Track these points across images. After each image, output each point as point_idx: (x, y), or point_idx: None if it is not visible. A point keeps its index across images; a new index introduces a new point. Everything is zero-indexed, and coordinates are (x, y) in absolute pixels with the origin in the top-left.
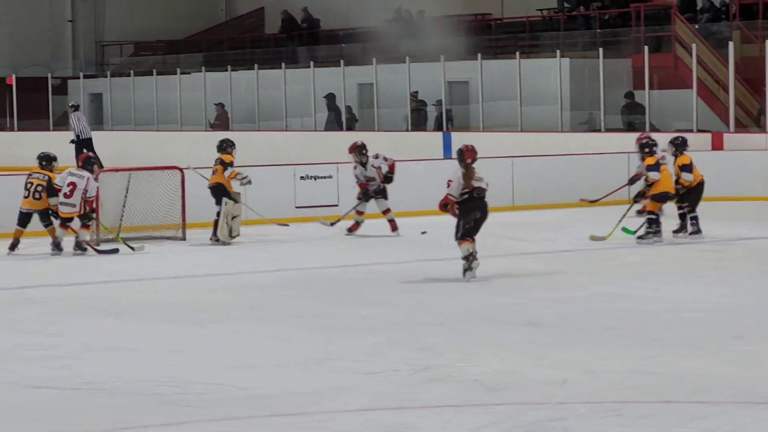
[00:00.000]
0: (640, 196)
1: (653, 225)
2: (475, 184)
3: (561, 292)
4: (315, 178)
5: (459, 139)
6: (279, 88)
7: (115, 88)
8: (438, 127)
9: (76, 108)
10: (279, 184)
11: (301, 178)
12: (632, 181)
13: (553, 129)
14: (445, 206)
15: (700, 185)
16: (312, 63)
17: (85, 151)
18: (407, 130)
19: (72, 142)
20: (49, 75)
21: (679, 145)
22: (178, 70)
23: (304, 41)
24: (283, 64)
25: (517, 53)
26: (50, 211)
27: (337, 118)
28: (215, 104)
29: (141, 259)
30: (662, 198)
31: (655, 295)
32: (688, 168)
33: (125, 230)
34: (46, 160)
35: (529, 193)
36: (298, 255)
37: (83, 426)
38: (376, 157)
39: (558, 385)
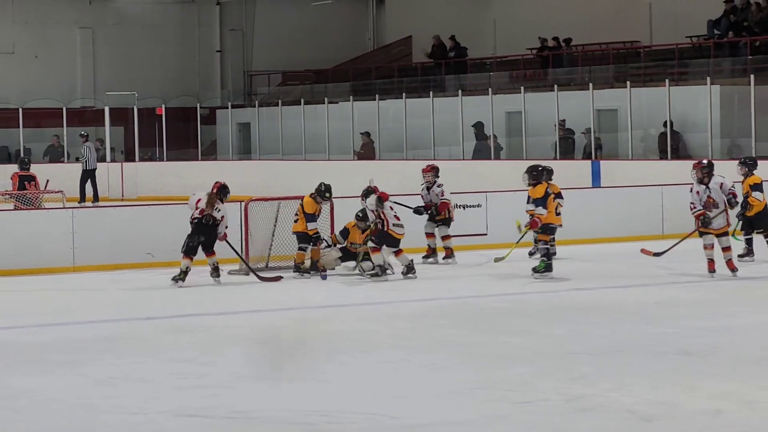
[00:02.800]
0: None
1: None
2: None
3: (713, 321)
4: (464, 207)
5: (608, 168)
6: (427, 117)
7: (263, 118)
8: (586, 156)
9: (87, 138)
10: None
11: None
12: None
13: (703, 156)
14: None
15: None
16: (460, 91)
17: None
18: (555, 159)
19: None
20: (198, 105)
21: (751, 165)
22: (326, 100)
23: (451, 69)
24: (431, 93)
25: (667, 81)
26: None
27: (485, 147)
28: (361, 133)
29: (291, 288)
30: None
31: None
32: (758, 187)
33: (274, 259)
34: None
35: (680, 221)
36: (448, 284)
37: None
38: (439, 186)
39: (712, 416)
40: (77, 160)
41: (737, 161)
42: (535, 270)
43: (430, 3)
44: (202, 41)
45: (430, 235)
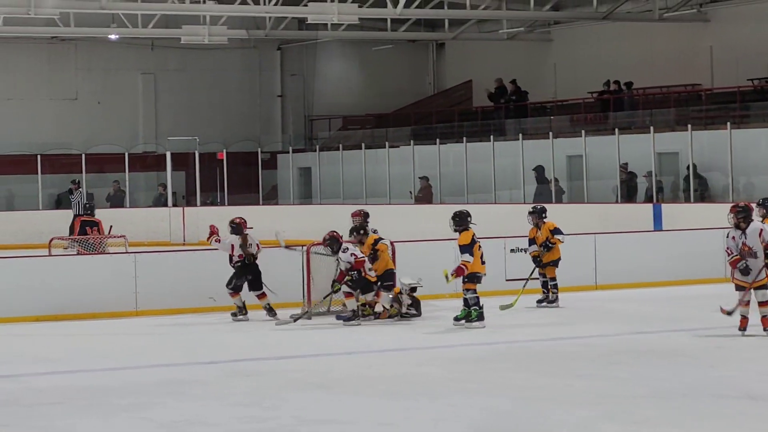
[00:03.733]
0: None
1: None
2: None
3: None
4: (525, 251)
5: (670, 211)
6: (487, 161)
7: (324, 162)
8: (648, 199)
9: (78, 185)
10: (489, 257)
11: (512, 251)
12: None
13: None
14: None
15: None
16: (520, 135)
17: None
18: (617, 202)
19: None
20: (259, 150)
21: None
22: (387, 144)
23: (512, 113)
24: (491, 137)
25: (728, 123)
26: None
27: (546, 190)
28: (420, 178)
29: (351, 333)
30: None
31: None
32: None
33: (336, 303)
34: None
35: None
36: (508, 328)
37: None
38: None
39: None
40: (70, 203)
41: (756, 203)
42: (456, 319)
43: (490, 47)
44: (264, 86)
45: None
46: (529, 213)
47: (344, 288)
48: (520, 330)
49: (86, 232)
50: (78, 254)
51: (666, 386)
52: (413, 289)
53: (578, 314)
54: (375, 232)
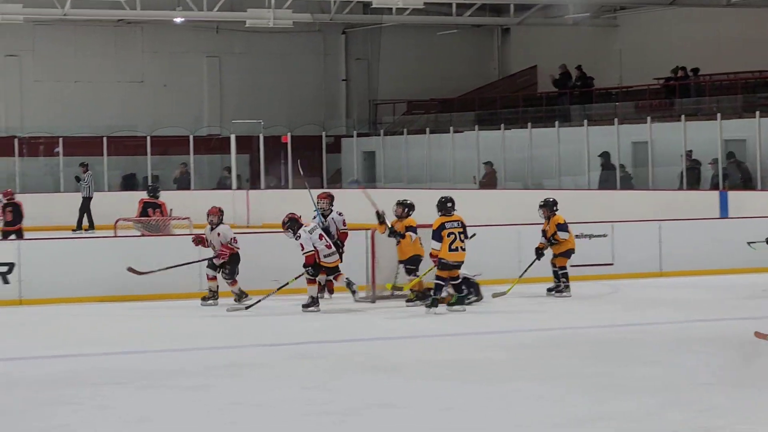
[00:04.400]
0: None
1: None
2: None
3: None
4: (590, 237)
5: (735, 198)
6: (552, 147)
7: (388, 147)
8: (713, 186)
9: (87, 167)
10: None
11: (576, 236)
12: None
13: None
14: None
15: None
16: (585, 121)
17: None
18: (682, 189)
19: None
20: (323, 133)
21: None
22: (451, 129)
23: (577, 99)
24: (556, 123)
25: None
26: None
27: (611, 177)
28: (484, 163)
29: (414, 317)
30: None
31: None
32: None
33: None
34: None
35: None
36: (568, 314)
37: None
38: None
39: None
40: (78, 181)
41: None
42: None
43: (555, 33)
44: (328, 70)
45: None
46: (540, 206)
47: (306, 276)
48: (583, 316)
49: (148, 214)
50: (142, 236)
51: (734, 375)
52: (466, 279)
53: (643, 301)
54: (340, 214)
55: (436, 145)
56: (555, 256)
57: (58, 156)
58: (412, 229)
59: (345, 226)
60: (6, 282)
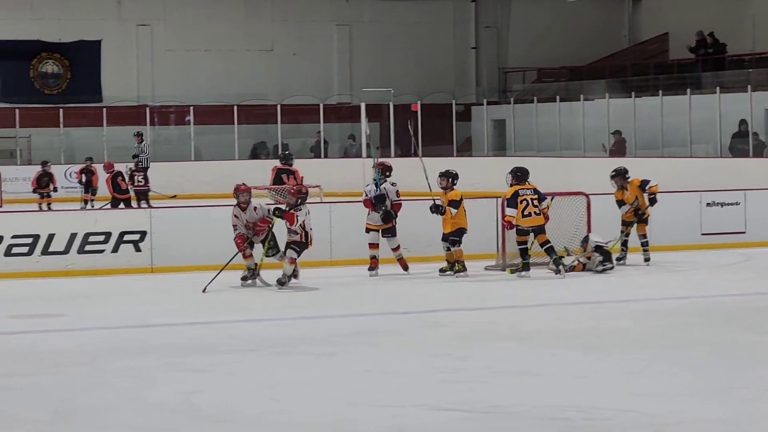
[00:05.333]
0: None
1: None
2: None
3: None
4: (722, 205)
5: None
6: (683, 114)
7: (518, 115)
8: None
9: (142, 137)
10: (684, 211)
11: (707, 204)
12: None
13: None
14: None
15: None
16: (718, 88)
17: None
18: None
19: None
20: (453, 102)
21: None
22: (581, 97)
23: (709, 66)
24: (688, 90)
25: None
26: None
27: (744, 145)
28: (612, 133)
29: (544, 285)
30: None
31: None
32: None
33: (532, 255)
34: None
35: None
36: (703, 282)
37: None
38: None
39: None
40: (133, 158)
41: None
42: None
43: None
44: (457, 38)
45: (373, 245)
46: (612, 177)
47: (290, 252)
48: (715, 284)
49: (282, 181)
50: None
51: None
52: (599, 247)
53: None
54: (394, 185)
55: (566, 113)
56: (639, 222)
57: (189, 125)
58: (454, 203)
59: (398, 196)
60: (138, 250)
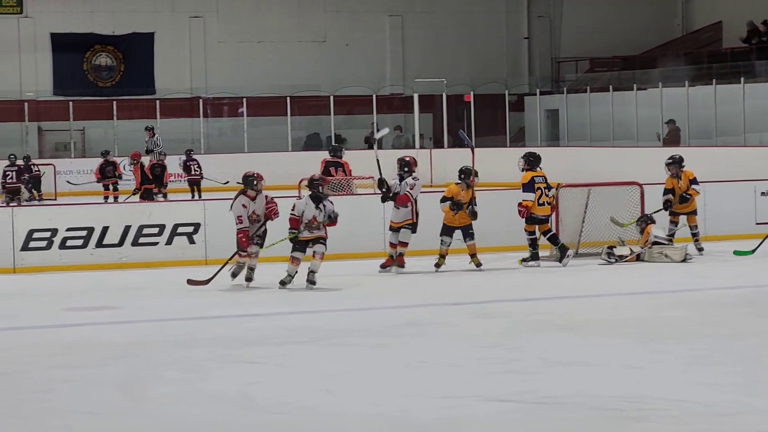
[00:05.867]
0: None
1: None
2: None
3: None
4: None
5: None
6: (737, 103)
7: (571, 104)
8: None
9: (153, 131)
10: (738, 200)
11: (762, 194)
12: None
13: None
14: None
15: None
16: None
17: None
18: None
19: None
20: (506, 92)
21: None
22: (635, 86)
23: (763, 55)
24: (741, 79)
25: None
26: None
27: None
28: (665, 123)
29: (598, 275)
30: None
31: None
32: None
33: (584, 245)
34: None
35: None
36: (757, 272)
37: None
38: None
39: None
40: (147, 152)
41: None
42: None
43: None
44: (510, 28)
45: (393, 245)
46: (668, 164)
47: (318, 247)
48: (765, 275)
49: (330, 173)
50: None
51: None
52: (656, 243)
53: None
54: (415, 179)
55: (620, 102)
56: (688, 214)
57: (242, 116)
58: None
59: (411, 190)
60: (192, 242)
